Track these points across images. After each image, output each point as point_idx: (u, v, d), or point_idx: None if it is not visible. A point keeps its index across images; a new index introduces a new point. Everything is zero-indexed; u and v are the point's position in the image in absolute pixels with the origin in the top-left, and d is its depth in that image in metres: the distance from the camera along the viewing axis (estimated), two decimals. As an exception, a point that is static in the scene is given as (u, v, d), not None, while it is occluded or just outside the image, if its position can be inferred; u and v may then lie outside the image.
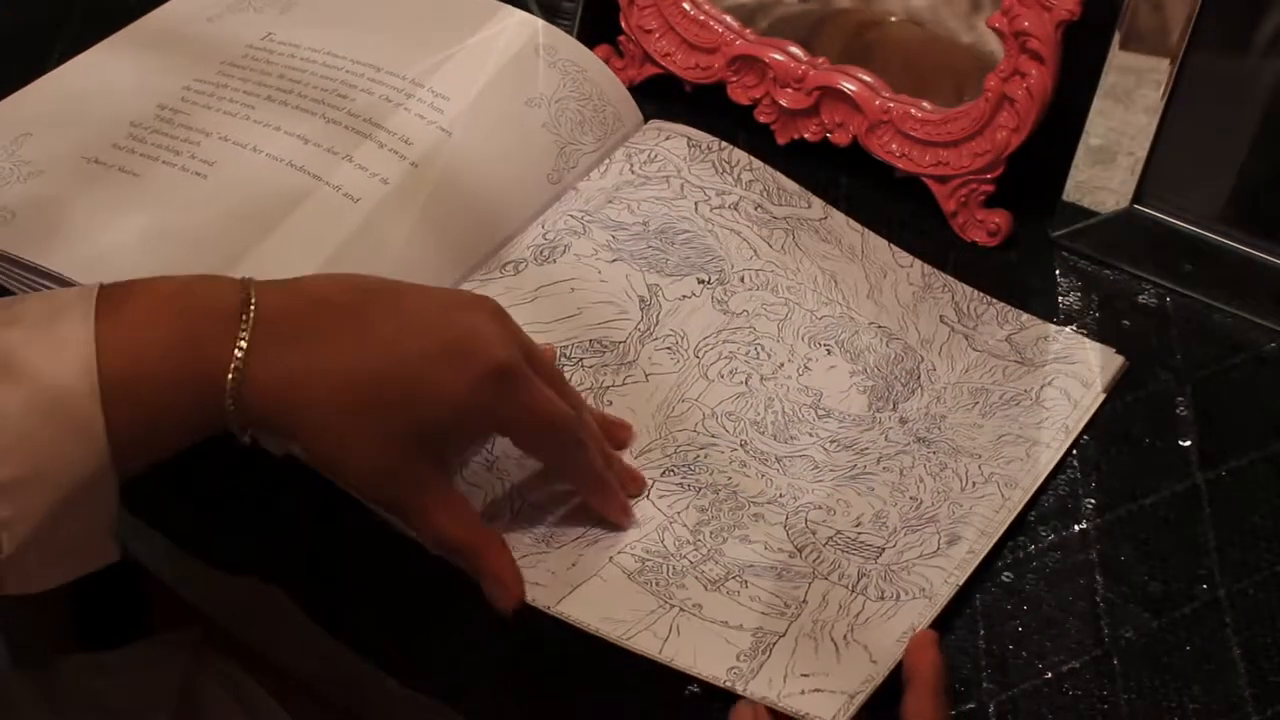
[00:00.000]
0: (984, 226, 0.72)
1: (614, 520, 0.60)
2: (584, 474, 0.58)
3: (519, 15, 0.77)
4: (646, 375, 0.65)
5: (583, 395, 0.63)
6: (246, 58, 0.76)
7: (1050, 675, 0.57)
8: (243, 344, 0.51)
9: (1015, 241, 0.73)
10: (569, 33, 0.80)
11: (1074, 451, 0.64)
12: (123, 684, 0.73)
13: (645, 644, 0.55)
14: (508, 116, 0.73)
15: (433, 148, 0.70)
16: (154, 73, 0.75)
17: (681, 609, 0.56)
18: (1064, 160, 0.72)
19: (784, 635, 0.55)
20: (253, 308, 0.52)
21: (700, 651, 0.55)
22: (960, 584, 0.58)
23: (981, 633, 0.58)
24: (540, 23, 0.77)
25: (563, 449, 0.57)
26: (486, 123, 0.72)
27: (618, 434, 0.63)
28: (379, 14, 0.79)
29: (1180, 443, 0.64)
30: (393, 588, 0.62)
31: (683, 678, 0.55)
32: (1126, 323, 0.69)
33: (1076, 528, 0.61)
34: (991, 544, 0.59)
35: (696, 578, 0.58)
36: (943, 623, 0.57)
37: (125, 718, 0.73)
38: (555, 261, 0.69)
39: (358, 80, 0.74)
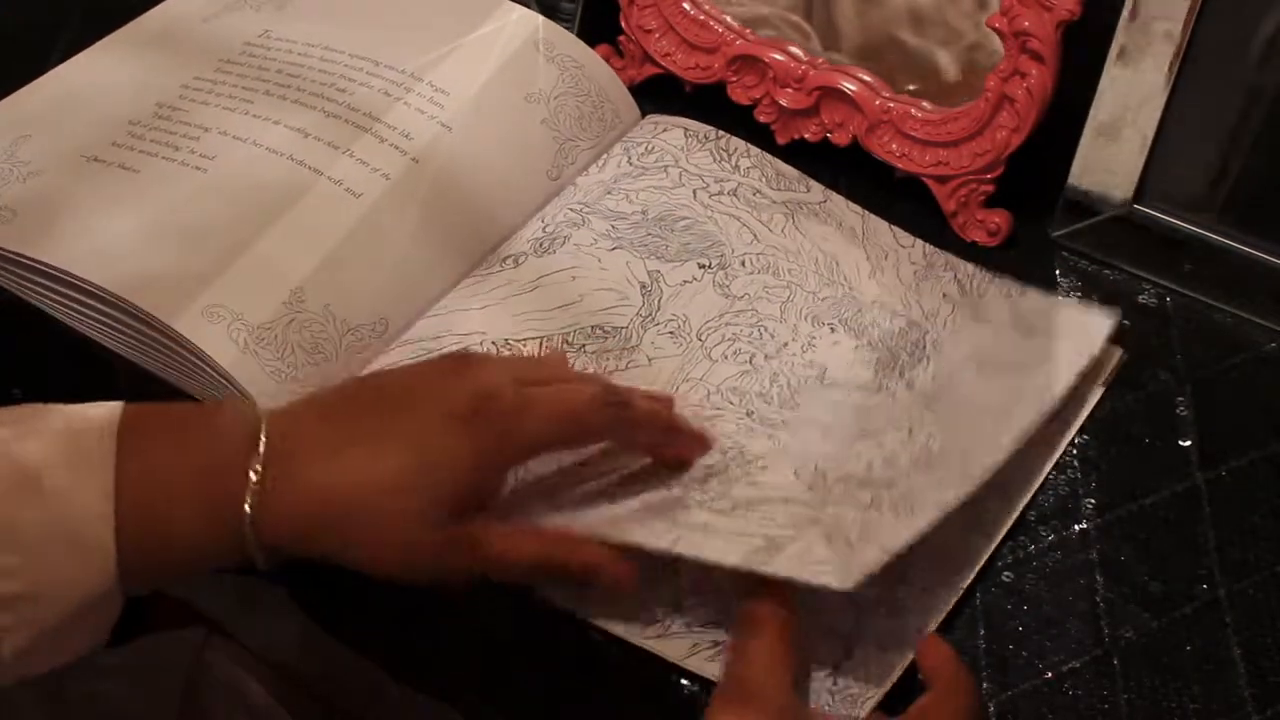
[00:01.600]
0: (984, 226, 0.72)
1: (699, 454, 0.60)
2: (651, 431, 0.58)
3: (519, 11, 0.77)
4: (649, 359, 0.65)
5: None
6: (244, 54, 0.76)
7: (1050, 675, 0.57)
8: (257, 469, 0.51)
9: (1015, 241, 0.73)
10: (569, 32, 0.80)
11: (1074, 451, 0.64)
12: (123, 684, 0.73)
13: (649, 539, 0.55)
14: (507, 112, 0.73)
15: (433, 143, 0.70)
16: (152, 71, 0.75)
17: (689, 527, 0.56)
18: (1064, 160, 0.72)
19: (796, 540, 0.55)
20: (264, 436, 0.52)
21: (710, 547, 0.55)
22: (965, 497, 0.57)
23: (981, 633, 0.58)
24: (540, 18, 0.77)
25: (610, 425, 0.57)
26: (486, 118, 0.72)
27: (666, 399, 0.62)
28: (378, 9, 0.79)
29: (1180, 443, 0.64)
30: (393, 588, 0.62)
31: (681, 677, 0.55)
32: (1126, 323, 0.69)
33: (1076, 528, 0.61)
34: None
35: (703, 508, 0.58)
36: (943, 623, 0.57)
37: (125, 718, 0.73)
38: (555, 252, 0.69)
39: (356, 74, 0.74)
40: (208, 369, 0.61)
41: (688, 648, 0.56)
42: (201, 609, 0.77)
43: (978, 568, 0.59)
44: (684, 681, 0.55)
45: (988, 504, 0.61)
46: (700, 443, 0.60)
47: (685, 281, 0.68)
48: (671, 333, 0.66)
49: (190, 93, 0.73)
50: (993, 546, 0.60)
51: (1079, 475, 0.63)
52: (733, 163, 0.74)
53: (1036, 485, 0.62)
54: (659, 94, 0.79)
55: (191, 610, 0.77)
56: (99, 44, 0.77)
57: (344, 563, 0.53)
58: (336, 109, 0.71)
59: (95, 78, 0.75)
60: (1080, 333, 0.66)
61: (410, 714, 0.69)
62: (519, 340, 0.65)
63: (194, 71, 0.75)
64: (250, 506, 0.51)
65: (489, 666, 0.61)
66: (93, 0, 0.83)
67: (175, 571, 0.54)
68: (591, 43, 0.79)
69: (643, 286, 0.68)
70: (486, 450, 0.54)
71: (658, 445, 0.59)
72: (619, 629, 0.56)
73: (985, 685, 0.56)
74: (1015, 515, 0.61)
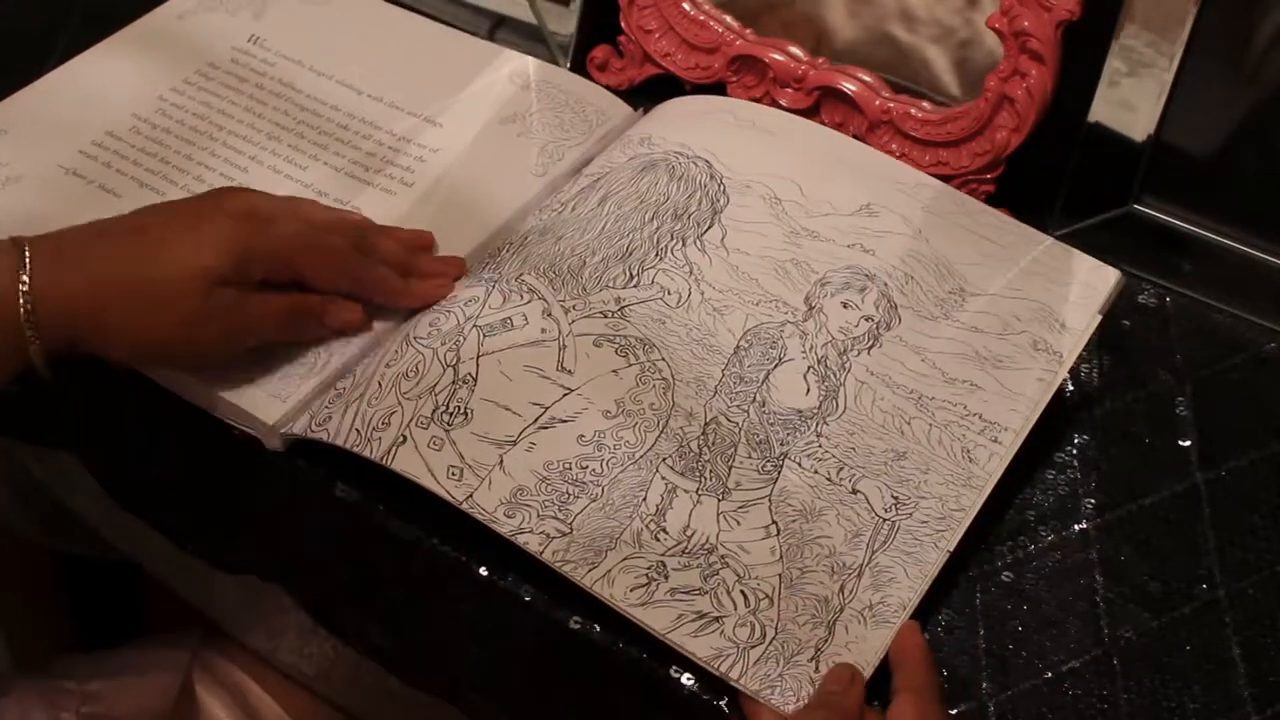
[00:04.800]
0: (984, 226, 0.72)
1: (430, 302, 0.64)
2: (376, 286, 0.64)
3: (514, 61, 0.78)
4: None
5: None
6: (230, 72, 0.76)
7: (1050, 675, 0.57)
8: (25, 277, 0.57)
9: (1015, 241, 0.73)
10: (569, 32, 0.80)
11: (1074, 451, 0.64)
12: (122, 684, 0.73)
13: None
14: (485, 136, 0.74)
15: (416, 178, 0.71)
16: (141, 82, 0.75)
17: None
18: (1064, 160, 0.72)
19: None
20: (26, 248, 0.57)
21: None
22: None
23: (981, 633, 0.58)
24: (532, 62, 0.78)
25: (342, 267, 0.63)
26: (466, 145, 0.73)
27: (422, 241, 0.67)
28: (363, 47, 0.79)
29: (1180, 443, 0.64)
30: (392, 587, 0.62)
31: (682, 677, 0.55)
32: (1126, 323, 0.69)
33: (1076, 528, 0.61)
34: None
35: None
36: (943, 623, 0.57)
37: (125, 718, 0.73)
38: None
39: (347, 120, 0.74)
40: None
41: (672, 619, 0.55)
42: (201, 609, 0.77)
43: (966, 525, 0.58)
44: (684, 680, 0.55)
45: (975, 455, 0.60)
46: (439, 289, 0.65)
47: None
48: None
49: (172, 109, 0.74)
50: (982, 500, 0.59)
51: (1079, 475, 0.63)
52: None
53: (1026, 431, 0.61)
54: (659, 94, 0.78)
55: (191, 610, 0.77)
56: (90, 50, 0.77)
57: (121, 344, 0.59)
58: (326, 155, 0.72)
59: (81, 84, 0.75)
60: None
61: (410, 713, 0.70)
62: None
63: (178, 83, 0.75)
64: (24, 307, 0.56)
65: (489, 666, 0.61)
66: (92, 3, 0.83)
67: None
68: (591, 43, 0.80)
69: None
70: (243, 238, 0.59)
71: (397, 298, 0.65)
72: (604, 591, 0.55)
73: (985, 685, 0.56)
74: (1004, 466, 0.60)
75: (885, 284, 0.66)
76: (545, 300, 0.64)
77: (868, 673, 0.54)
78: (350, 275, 0.63)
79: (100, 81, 0.75)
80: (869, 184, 0.69)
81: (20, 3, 0.84)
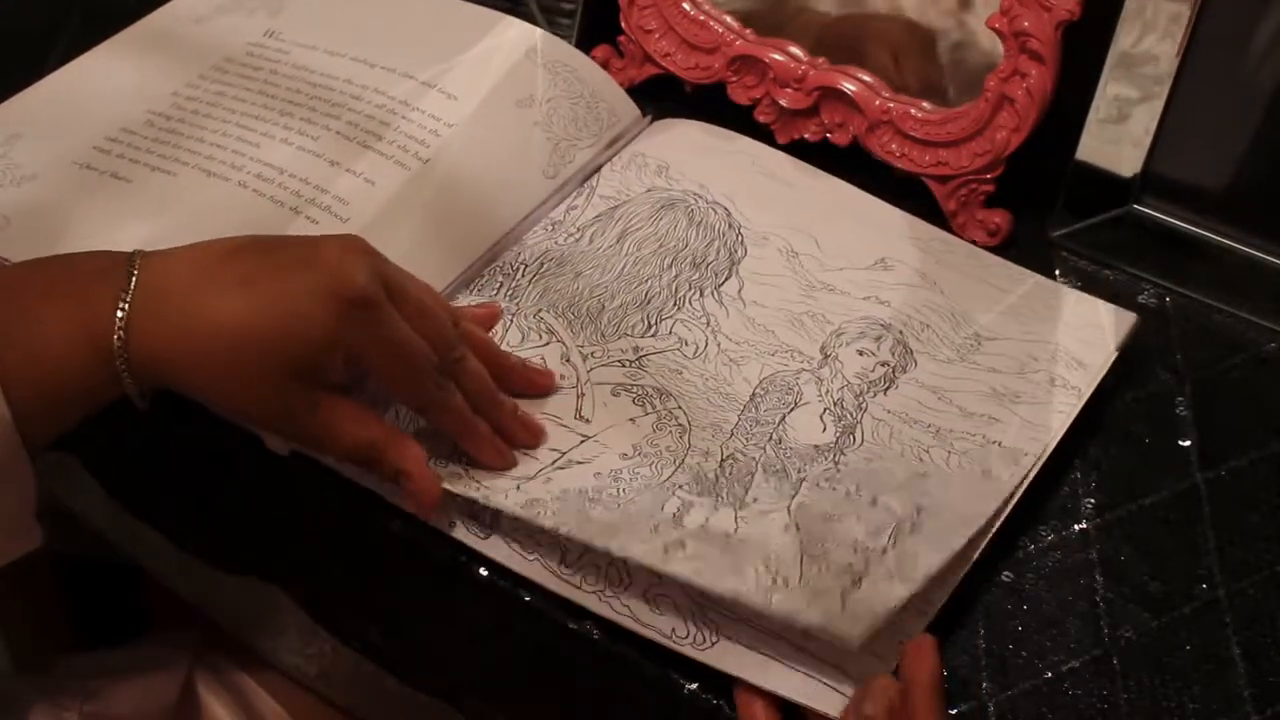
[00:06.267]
0: (984, 226, 0.72)
1: (486, 464, 0.59)
2: (443, 416, 0.59)
3: (518, 26, 0.77)
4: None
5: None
6: (244, 63, 0.76)
7: (1050, 675, 0.57)
8: (124, 307, 0.54)
9: (1015, 241, 0.73)
10: (569, 33, 0.80)
11: (1074, 451, 0.64)
12: (123, 684, 0.73)
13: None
14: (500, 118, 0.73)
15: (432, 152, 0.71)
16: (150, 77, 0.75)
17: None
18: (1064, 160, 0.72)
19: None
20: (135, 273, 0.55)
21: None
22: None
23: (981, 633, 0.58)
24: (538, 31, 0.77)
25: (416, 386, 0.58)
26: (483, 127, 0.73)
27: (536, 380, 0.63)
28: (375, 25, 0.79)
29: (1180, 443, 0.64)
30: (393, 588, 0.62)
31: (682, 677, 0.55)
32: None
33: (1076, 528, 0.61)
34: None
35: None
36: (943, 623, 0.57)
37: (127, 718, 0.73)
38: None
39: (360, 91, 0.74)
40: None
41: (691, 570, 0.55)
42: (202, 609, 0.77)
43: (989, 523, 0.58)
44: (683, 680, 0.55)
45: (996, 474, 0.60)
46: (499, 459, 0.60)
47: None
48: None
49: (186, 101, 0.74)
50: (1005, 508, 0.59)
51: (1079, 475, 0.63)
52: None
53: (1046, 455, 0.61)
54: (659, 94, 0.79)
55: (191, 610, 0.77)
56: (98, 48, 0.77)
57: (203, 398, 0.57)
58: (336, 125, 0.72)
59: (92, 82, 0.75)
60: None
61: (410, 714, 0.70)
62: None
63: (193, 79, 0.75)
64: (118, 342, 0.54)
65: (488, 667, 0.61)
66: (92, 3, 0.83)
67: (67, 416, 0.56)
68: (592, 43, 0.80)
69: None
70: (340, 341, 0.55)
71: (460, 438, 0.60)
72: (620, 554, 0.55)
73: (985, 685, 0.56)
74: (1027, 482, 0.60)
75: (901, 332, 0.66)
76: (564, 344, 0.65)
77: (892, 665, 0.54)
78: (420, 401, 0.59)
79: (111, 79, 0.75)
80: (884, 238, 0.71)
81: (20, 3, 0.84)
